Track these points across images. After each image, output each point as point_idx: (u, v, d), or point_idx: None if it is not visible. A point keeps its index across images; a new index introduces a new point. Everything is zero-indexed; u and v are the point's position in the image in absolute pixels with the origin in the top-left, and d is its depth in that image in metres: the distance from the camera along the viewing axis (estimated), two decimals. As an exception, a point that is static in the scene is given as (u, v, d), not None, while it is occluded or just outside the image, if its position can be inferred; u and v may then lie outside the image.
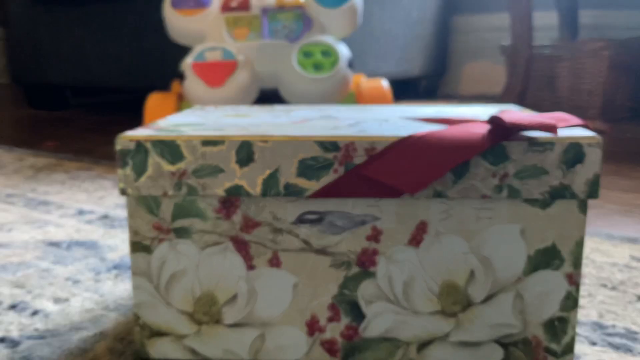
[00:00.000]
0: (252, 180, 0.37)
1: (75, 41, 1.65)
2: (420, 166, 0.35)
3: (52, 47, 1.72)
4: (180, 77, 0.91)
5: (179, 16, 0.88)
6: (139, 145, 0.37)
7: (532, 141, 0.36)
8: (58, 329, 0.45)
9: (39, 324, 0.46)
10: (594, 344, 0.42)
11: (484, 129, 0.36)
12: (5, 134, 1.48)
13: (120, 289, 0.52)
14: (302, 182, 0.36)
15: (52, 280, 0.54)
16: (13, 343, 0.43)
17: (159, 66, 1.45)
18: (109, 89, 1.64)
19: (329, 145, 0.36)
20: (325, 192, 0.36)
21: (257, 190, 0.37)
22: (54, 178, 0.96)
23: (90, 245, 0.63)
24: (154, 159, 0.37)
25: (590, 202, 0.80)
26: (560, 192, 0.36)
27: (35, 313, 0.47)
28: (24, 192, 0.88)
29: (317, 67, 0.90)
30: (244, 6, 0.88)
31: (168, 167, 0.37)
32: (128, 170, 0.37)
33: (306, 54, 0.91)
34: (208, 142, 0.37)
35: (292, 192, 0.37)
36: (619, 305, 0.48)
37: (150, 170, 0.37)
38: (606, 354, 0.41)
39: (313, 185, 0.36)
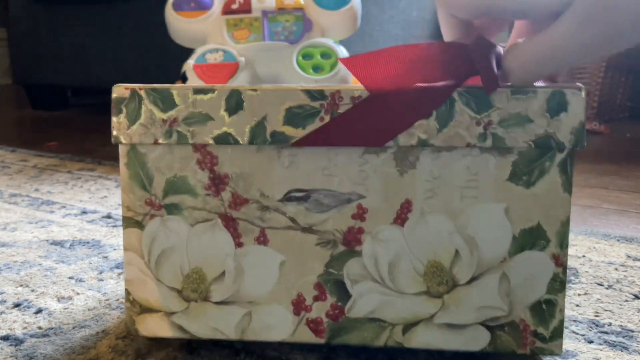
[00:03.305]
0: (240, 128, 0.37)
1: (75, 41, 1.66)
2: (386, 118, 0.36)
3: (52, 47, 1.72)
4: (182, 78, 0.92)
5: (180, 18, 0.88)
6: (134, 93, 0.38)
7: (515, 89, 0.36)
8: (61, 327, 0.45)
9: (42, 322, 0.46)
10: (590, 342, 0.43)
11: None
12: (8, 134, 1.49)
13: (123, 287, 0.53)
14: (288, 130, 0.37)
15: (56, 279, 0.54)
16: (17, 341, 0.43)
17: (160, 67, 1.46)
18: (109, 89, 1.65)
19: (316, 93, 0.37)
20: (309, 140, 0.37)
21: (245, 138, 0.37)
22: (56, 178, 0.97)
23: (93, 245, 0.64)
24: (147, 106, 0.38)
25: (588, 201, 0.80)
26: (545, 141, 0.36)
27: (38, 311, 0.48)
28: (28, 192, 0.88)
29: (317, 68, 0.90)
30: (245, 8, 0.88)
31: (160, 115, 0.38)
32: (122, 118, 0.38)
33: (306, 55, 0.91)
34: (199, 90, 0.38)
35: (278, 139, 0.37)
36: (615, 304, 0.49)
37: (142, 118, 0.38)
38: (602, 352, 0.41)
39: (299, 133, 0.37)
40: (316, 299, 0.39)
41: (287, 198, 0.38)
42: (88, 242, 0.65)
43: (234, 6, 0.90)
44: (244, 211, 0.39)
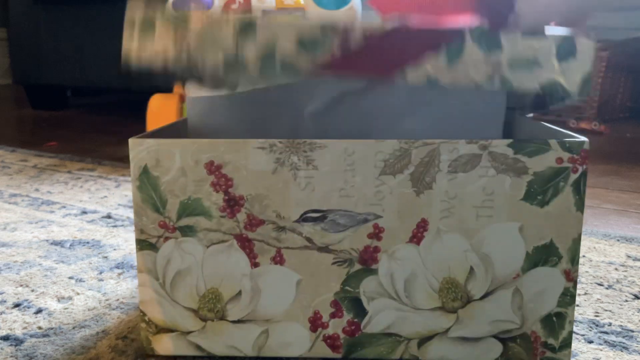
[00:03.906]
0: (249, 54, 0.37)
1: (75, 41, 1.66)
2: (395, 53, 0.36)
3: (52, 47, 1.72)
4: (182, 78, 0.92)
5: (180, 18, 0.88)
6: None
7: (526, 32, 0.36)
8: (61, 327, 0.45)
9: (42, 322, 0.46)
10: (590, 342, 0.43)
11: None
12: (8, 134, 1.49)
13: (123, 287, 0.53)
14: (299, 61, 0.36)
15: (56, 279, 0.54)
16: (17, 341, 0.43)
17: (160, 67, 1.46)
18: (109, 89, 1.65)
19: (328, 26, 0.36)
20: (319, 71, 0.36)
21: (256, 68, 0.37)
22: (56, 178, 0.97)
23: (93, 245, 0.64)
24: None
25: (588, 201, 0.80)
26: (552, 88, 0.36)
27: (38, 311, 0.48)
28: (28, 192, 0.88)
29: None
30: (245, 8, 0.88)
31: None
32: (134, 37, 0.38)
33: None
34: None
35: (288, 70, 0.37)
36: (615, 304, 0.49)
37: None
38: (602, 352, 0.41)
39: (310, 64, 0.36)
40: (333, 315, 0.39)
41: (304, 219, 0.38)
42: (88, 242, 0.65)
43: (234, 6, 0.90)
44: (260, 232, 0.39)
